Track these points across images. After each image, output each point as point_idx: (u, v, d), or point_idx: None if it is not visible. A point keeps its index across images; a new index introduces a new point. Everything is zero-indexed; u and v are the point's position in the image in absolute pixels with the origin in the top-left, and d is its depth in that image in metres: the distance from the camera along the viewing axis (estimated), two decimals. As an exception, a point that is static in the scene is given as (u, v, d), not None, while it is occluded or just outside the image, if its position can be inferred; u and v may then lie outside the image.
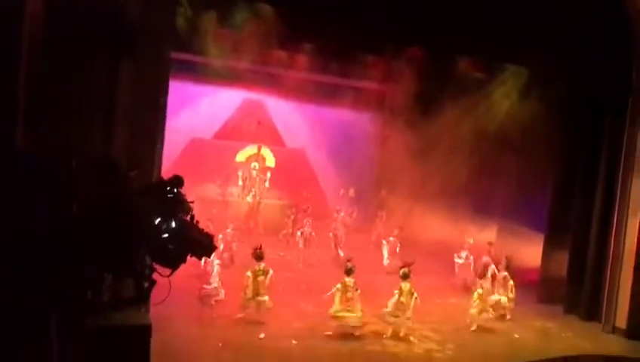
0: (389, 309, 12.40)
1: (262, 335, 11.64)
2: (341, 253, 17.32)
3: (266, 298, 12.41)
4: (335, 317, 12.19)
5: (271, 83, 21.16)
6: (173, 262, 4.94)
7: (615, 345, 13.54)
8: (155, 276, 5.27)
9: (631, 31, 13.94)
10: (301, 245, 18.16)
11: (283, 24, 15.10)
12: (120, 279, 5.36)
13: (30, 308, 4.37)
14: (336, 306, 12.19)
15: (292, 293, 14.48)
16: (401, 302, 12.34)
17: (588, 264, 15.03)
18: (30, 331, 4.48)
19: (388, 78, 19.85)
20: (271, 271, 12.60)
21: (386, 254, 17.93)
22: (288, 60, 19.15)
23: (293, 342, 11.61)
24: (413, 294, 12.44)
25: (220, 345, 11.10)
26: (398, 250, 17.85)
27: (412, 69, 17.52)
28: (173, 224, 4.86)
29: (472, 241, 17.40)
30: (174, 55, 12.37)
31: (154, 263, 5.01)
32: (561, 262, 15.67)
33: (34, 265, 4.24)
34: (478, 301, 13.40)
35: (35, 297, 4.35)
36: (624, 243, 14.14)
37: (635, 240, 13.89)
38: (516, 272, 15.14)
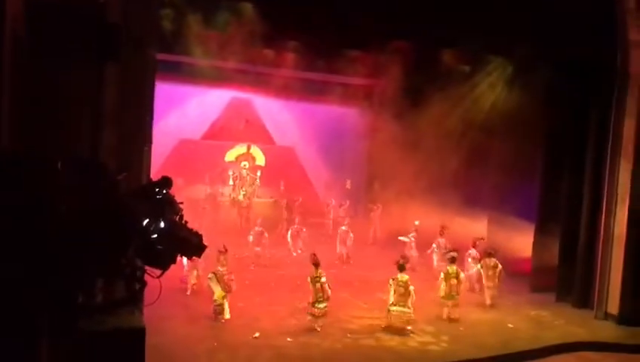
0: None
1: (257, 334, 11.64)
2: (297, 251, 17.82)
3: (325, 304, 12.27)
4: (389, 312, 12.40)
5: (258, 81, 21.12)
6: (163, 263, 4.94)
7: (608, 331, 13.64)
8: (146, 277, 5.27)
9: (616, 19, 14.00)
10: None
11: (268, 23, 15.09)
12: (111, 281, 5.35)
13: (17, 310, 4.35)
14: (391, 300, 12.41)
15: (285, 291, 14.52)
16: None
17: (579, 251, 15.13)
18: (17, 334, 4.45)
19: (375, 72, 19.87)
20: (324, 278, 12.35)
21: (338, 244, 18.41)
22: (275, 58, 19.11)
23: (288, 339, 11.63)
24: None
25: (215, 344, 11.10)
26: (349, 241, 18.30)
27: (399, 62, 17.55)
28: (162, 224, 4.86)
29: (417, 223, 18.03)
30: (160, 56, 12.35)
31: (144, 264, 5.01)
32: (553, 251, 15.76)
33: (20, 267, 4.22)
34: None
35: (22, 299, 4.33)
36: (614, 229, 14.25)
37: (625, 226, 14.00)
38: (508, 262, 15.29)
